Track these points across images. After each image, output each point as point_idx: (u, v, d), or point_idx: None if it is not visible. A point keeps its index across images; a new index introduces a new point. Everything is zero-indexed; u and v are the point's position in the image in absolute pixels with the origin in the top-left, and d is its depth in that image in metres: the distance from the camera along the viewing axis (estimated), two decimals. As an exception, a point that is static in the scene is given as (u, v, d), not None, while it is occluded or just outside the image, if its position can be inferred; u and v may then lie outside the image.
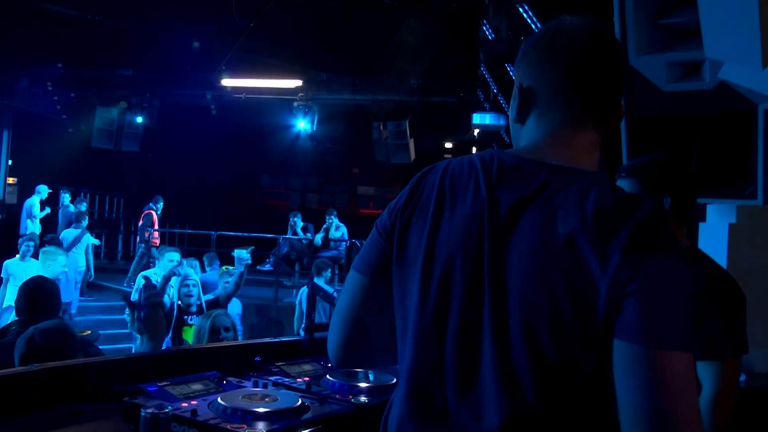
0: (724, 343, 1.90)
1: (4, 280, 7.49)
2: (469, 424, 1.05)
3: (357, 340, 1.24)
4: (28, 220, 10.81)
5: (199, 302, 5.16)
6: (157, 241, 11.15)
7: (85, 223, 9.78)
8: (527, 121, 1.19)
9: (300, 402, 1.69)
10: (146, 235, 11.16)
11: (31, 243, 7.84)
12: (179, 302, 5.13)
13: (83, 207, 10.89)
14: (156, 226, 11.40)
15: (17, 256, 7.62)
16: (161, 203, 11.73)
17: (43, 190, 10.96)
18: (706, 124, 3.19)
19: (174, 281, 5.31)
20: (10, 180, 12.79)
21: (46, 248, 6.87)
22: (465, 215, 1.11)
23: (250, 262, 5.07)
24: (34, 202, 10.91)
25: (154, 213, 11.45)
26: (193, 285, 5.19)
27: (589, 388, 1.00)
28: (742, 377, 3.05)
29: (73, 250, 9.22)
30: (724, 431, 1.89)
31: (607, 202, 1.02)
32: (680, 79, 3.15)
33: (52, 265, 6.19)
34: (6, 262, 7.58)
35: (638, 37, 3.14)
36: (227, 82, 11.58)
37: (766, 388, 2.96)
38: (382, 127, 12.73)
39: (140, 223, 11.59)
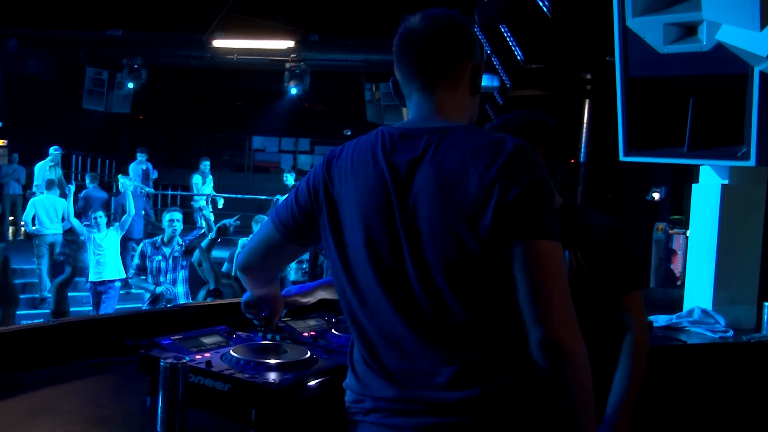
0: (631, 279, 2.00)
1: None
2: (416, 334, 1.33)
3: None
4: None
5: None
6: None
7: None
8: (407, 101, 1.50)
9: (309, 354, 1.76)
10: None
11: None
12: None
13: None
14: None
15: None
16: None
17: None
18: (701, 85, 3.22)
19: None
20: (1, 142, 12.71)
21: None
22: (371, 183, 1.38)
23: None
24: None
25: None
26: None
27: (493, 291, 1.28)
28: (730, 332, 3.15)
29: None
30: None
31: (481, 144, 1.30)
32: (677, 41, 3.16)
33: None
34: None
35: (636, -2, 3.15)
36: (218, 43, 11.42)
37: (752, 343, 3.06)
38: (374, 89, 12.65)
39: None
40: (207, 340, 1.87)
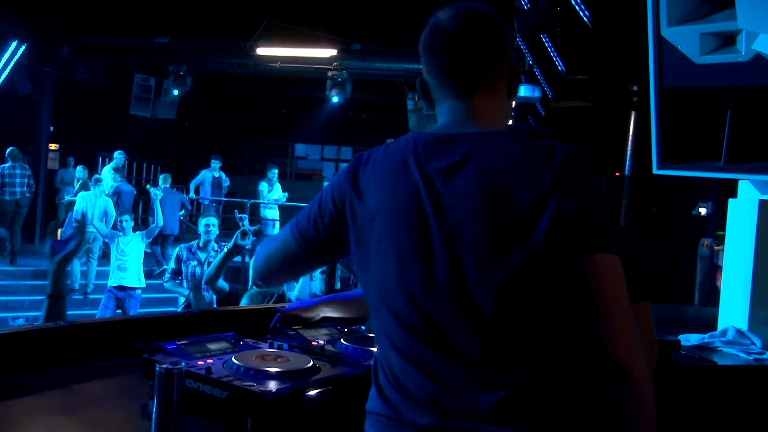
0: (635, 290, 1.94)
1: None
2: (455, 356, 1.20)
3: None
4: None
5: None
6: None
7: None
8: (436, 106, 1.37)
9: (311, 363, 1.73)
10: None
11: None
12: None
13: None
14: None
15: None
16: None
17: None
18: (739, 97, 3.12)
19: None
20: (52, 146, 13.12)
21: None
22: (401, 195, 1.24)
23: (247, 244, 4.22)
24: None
25: None
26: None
27: (541, 312, 1.16)
28: (766, 354, 3.02)
29: None
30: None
31: (530, 150, 1.18)
32: (714, 51, 3.07)
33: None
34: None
35: (671, 7, 3.07)
36: (262, 51, 11.59)
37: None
38: (417, 98, 12.64)
39: None
40: (213, 347, 1.87)
